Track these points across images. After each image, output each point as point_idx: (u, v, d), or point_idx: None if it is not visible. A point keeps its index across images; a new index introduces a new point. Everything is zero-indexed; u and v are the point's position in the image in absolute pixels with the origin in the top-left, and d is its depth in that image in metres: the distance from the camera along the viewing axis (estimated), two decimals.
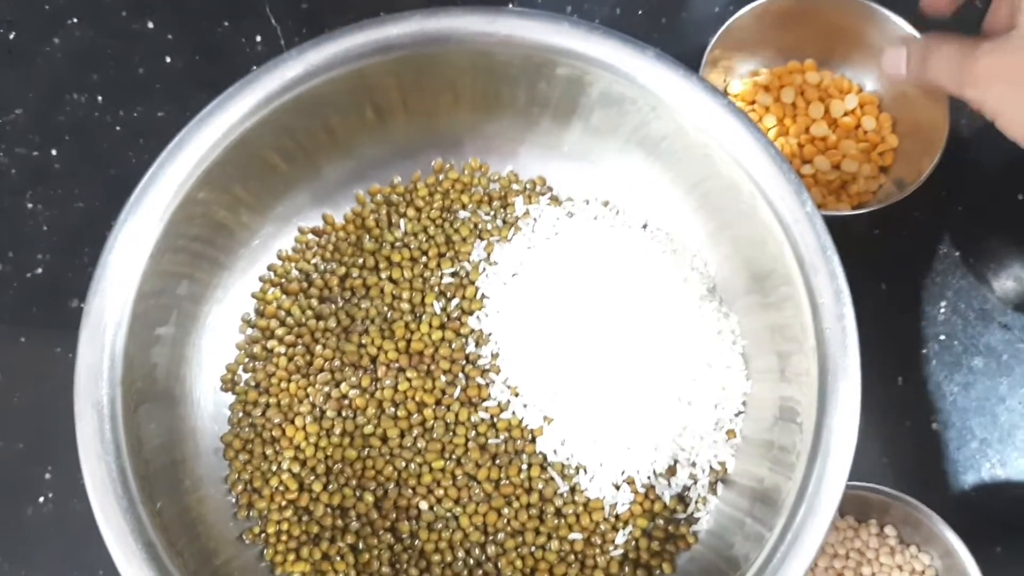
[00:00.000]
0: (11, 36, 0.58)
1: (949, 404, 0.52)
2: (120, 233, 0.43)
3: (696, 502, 0.48)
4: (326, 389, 0.49)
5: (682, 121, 0.46)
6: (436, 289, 0.51)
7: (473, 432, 0.48)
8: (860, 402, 0.41)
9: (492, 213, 0.52)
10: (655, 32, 0.59)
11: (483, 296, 0.50)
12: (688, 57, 0.46)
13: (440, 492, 0.47)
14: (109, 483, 0.40)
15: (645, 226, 0.52)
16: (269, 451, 0.48)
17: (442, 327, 0.50)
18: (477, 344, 0.50)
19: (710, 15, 0.59)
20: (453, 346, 0.49)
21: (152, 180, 0.44)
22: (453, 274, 0.51)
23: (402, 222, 0.52)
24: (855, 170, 0.54)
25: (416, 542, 0.47)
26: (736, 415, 0.49)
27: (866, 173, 0.54)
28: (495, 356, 0.49)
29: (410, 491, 0.48)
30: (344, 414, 0.49)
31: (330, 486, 0.48)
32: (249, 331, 0.51)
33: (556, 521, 0.47)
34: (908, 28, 0.53)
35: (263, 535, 0.47)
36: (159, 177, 0.44)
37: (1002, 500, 0.50)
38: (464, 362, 0.49)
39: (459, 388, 0.49)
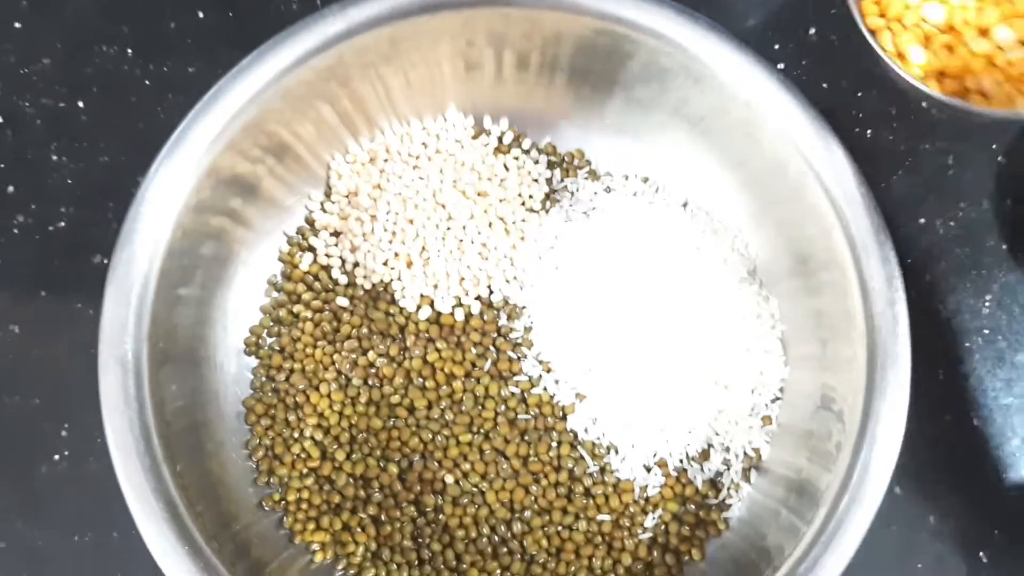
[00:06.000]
0: None
1: (991, 400, 0.50)
2: (151, 184, 0.42)
3: (728, 488, 0.47)
4: (353, 356, 0.47)
5: (729, 95, 0.45)
6: None
7: (503, 406, 0.47)
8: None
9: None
10: (701, 7, 0.57)
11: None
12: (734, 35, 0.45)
13: (467, 466, 0.46)
14: (131, 440, 0.39)
15: (685, 204, 0.51)
16: (292, 417, 0.47)
17: (477, 298, 0.48)
18: (509, 317, 0.48)
19: None
20: (485, 318, 0.48)
21: (184, 133, 0.43)
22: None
23: None
24: None
25: (440, 516, 0.46)
26: (772, 401, 0.47)
27: None
28: (528, 330, 0.48)
29: (436, 464, 0.46)
30: (371, 383, 0.47)
31: (353, 455, 0.47)
32: (275, 294, 0.49)
33: (585, 501, 0.46)
34: None
35: (283, 502, 0.46)
36: (192, 130, 0.43)
37: None
38: (495, 335, 0.48)
39: (490, 361, 0.47)
